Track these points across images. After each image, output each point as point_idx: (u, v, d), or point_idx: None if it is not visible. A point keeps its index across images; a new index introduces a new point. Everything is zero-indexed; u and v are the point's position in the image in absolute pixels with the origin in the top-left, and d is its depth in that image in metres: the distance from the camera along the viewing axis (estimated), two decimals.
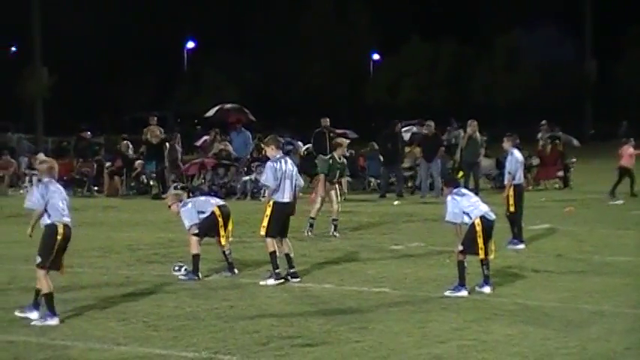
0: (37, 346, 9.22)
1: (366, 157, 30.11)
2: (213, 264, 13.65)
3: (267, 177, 12.64)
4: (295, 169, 13.05)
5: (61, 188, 10.58)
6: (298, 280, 12.73)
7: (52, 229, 10.25)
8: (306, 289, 12.27)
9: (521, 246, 15.72)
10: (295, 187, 12.83)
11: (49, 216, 10.26)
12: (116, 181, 28.96)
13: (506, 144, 16.53)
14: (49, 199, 10.24)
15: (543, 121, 31.54)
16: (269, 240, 12.58)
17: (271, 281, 12.51)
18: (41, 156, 31.87)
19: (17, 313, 10.47)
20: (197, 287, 12.38)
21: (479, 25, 71.41)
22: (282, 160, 12.75)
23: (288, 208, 12.74)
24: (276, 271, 12.56)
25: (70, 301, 11.26)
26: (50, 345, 9.27)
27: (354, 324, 10.08)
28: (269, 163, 12.79)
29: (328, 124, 27.46)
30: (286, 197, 12.67)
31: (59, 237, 10.23)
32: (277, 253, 12.58)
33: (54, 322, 10.13)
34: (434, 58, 74.09)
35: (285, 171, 12.64)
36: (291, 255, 12.87)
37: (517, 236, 15.86)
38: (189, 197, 14.51)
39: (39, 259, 10.23)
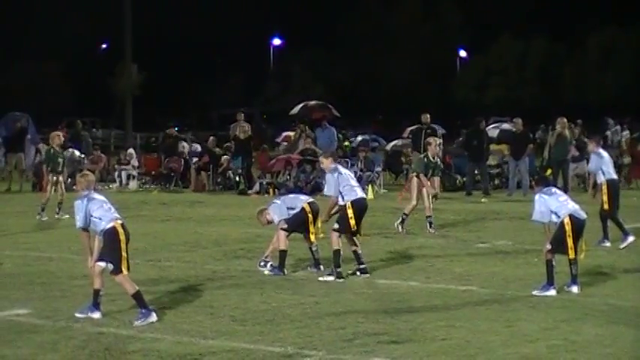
0: (127, 338, 9.34)
1: (452, 154, 29.91)
2: (300, 260, 13.68)
3: (328, 189, 12.95)
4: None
5: (101, 196, 10.36)
6: (368, 275, 12.78)
7: (111, 231, 9.99)
8: (392, 286, 12.21)
9: (608, 244, 15.50)
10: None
11: (101, 222, 10.00)
12: (203, 176, 29.34)
13: (591, 146, 16.33)
14: (91, 211, 10.04)
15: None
16: (335, 238, 12.64)
17: (331, 278, 12.55)
18: (131, 151, 32.63)
19: (138, 324, 9.91)
20: (283, 282, 12.42)
21: (571, 22, 70.11)
22: (339, 168, 13.07)
23: (364, 201, 12.98)
24: (338, 269, 12.61)
25: (159, 295, 11.41)
26: (139, 337, 9.38)
27: (440, 322, 9.98)
28: (328, 175, 13.07)
29: (429, 120, 27.25)
30: (360, 193, 12.92)
31: (121, 237, 9.99)
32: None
33: (97, 315, 10.12)
34: (523, 56, 73.08)
35: (345, 174, 13.01)
36: (359, 252, 12.94)
37: (625, 232, 15.53)
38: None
39: (111, 267, 9.97)
